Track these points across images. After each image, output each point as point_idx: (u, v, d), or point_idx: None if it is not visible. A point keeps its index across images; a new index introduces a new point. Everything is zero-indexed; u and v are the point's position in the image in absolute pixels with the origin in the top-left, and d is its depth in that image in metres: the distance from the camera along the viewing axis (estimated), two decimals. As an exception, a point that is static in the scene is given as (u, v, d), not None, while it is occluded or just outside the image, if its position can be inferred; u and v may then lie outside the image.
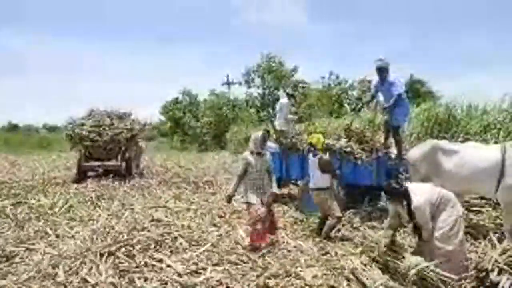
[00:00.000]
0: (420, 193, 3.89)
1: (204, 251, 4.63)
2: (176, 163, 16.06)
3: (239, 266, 4.23)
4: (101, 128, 11.02)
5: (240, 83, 31.45)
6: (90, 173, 11.25)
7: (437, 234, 3.78)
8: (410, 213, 3.88)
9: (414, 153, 5.38)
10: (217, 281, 3.82)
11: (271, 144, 9.22)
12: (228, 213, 6.86)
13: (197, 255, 4.47)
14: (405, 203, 3.91)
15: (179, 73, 72.41)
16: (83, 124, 11.10)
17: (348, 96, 30.93)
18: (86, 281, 3.76)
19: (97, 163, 10.95)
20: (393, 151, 6.71)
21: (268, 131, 10.17)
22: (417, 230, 3.94)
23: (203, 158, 19.80)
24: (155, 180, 10.93)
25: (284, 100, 8.28)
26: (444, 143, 5.39)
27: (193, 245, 4.85)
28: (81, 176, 10.78)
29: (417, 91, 26.17)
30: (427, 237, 3.75)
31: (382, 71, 6.33)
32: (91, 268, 4.01)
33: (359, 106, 30.85)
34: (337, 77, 30.70)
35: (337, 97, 28.57)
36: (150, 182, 10.48)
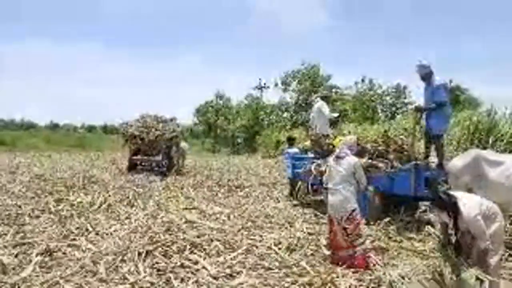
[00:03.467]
0: (471, 203, 3.65)
1: (238, 254, 4.66)
2: (209, 165, 16.31)
3: (273, 272, 4.22)
4: (148, 129, 13.21)
5: (276, 84, 31.38)
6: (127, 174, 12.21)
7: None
8: (456, 226, 3.68)
9: (456, 163, 5.19)
10: (252, 285, 3.83)
11: (295, 150, 9.17)
12: (260, 217, 6.87)
13: (231, 259, 4.50)
14: (452, 215, 3.67)
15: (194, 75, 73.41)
16: (133, 126, 13.43)
17: (382, 102, 30.37)
18: (125, 278, 3.88)
19: (143, 157, 13.31)
20: (432, 160, 6.52)
21: (292, 138, 10.15)
22: (460, 244, 3.74)
23: (234, 161, 19.95)
24: (188, 181, 11.14)
25: (322, 103, 8.13)
26: (488, 153, 5.18)
27: (227, 249, 4.90)
28: (132, 167, 13.20)
29: (456, 97, 25.29)
30: (483, 248, 3.45)
31: (424, 77, 6.27)
32: (130, 266, 4.13)
33: (393, 112, 30.32)
34: (370, 82, 30.17)
35: (370, 103, 28.10)
36: (183, 184, 10.69)
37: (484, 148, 8.27)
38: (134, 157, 13.34)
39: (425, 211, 7.32)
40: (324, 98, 8.42)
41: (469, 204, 3.61)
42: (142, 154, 13.31)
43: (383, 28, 73.06)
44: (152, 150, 13.20)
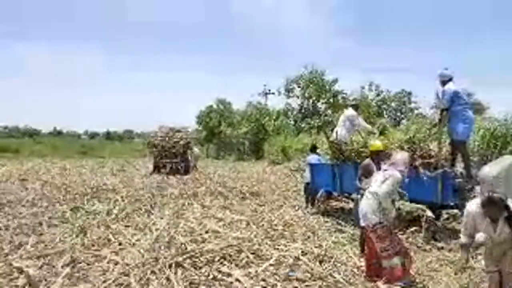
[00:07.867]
0: None
1: (269, 265, 4.52)
2: (217, 172, 16.21)
3: (308, 285, 4.09)
4: (167, 138, 16.22)
5: (279, 93, 31.23)
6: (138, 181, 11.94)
7: None
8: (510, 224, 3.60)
9: (491, 170, 5.03)
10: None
11: (314, 157, 9.02)
12: (280, 226, 6.74)
13: (263, 270, 4.36)
14: (505, 214, 3.58)
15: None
16: (155, 136, 16.60)
17: (388, 107, 30.29)
18: (159, 292, 3.75)
19: (165, 161, 15.97)
20: (457, 167, 6.39)
21: (315, 146, 9.98)
22: None
23: (241, 167, 19.81)
24: (201, 189, 11.00)
25: (353, 112, 7.89)
26: (523, 160, 5.04)
27: (256, 259, 4.76)
28: (157, 169, 15.89)
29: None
30: None
31: (443, 83, 6.22)
32: (162, 279, 3.99)
33: (398, 117, 30.22)
34: (377, 87, 30.11)
35: (377, 108, 28.01)
36: (196, 191, 10.56)
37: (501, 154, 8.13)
38: (158, 160, 16.10)
39: (447, 219, 7.21)
40: (355, 107, 8.20)
41: None
42: (163, 158, 16.02)
43: (393, 28, 71.87)
44: (172, 155, 15.97)
